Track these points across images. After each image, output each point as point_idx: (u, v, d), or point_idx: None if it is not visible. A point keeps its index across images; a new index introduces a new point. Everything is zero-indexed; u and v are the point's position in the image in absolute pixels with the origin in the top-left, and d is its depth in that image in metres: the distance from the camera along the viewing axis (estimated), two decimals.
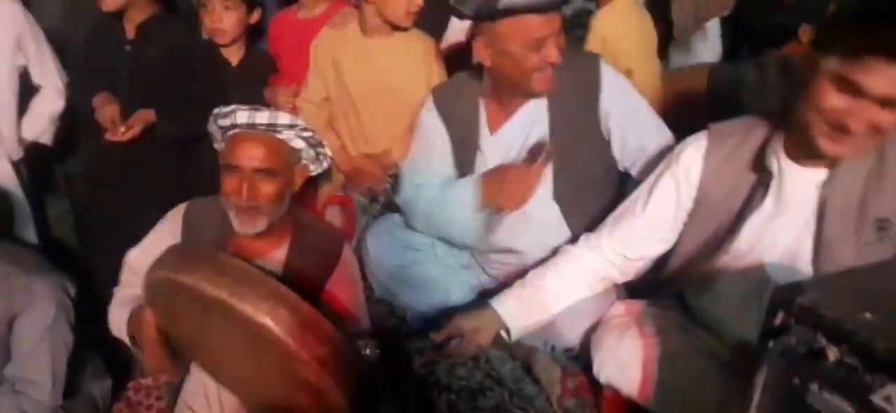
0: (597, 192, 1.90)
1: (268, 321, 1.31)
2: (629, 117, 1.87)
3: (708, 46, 3.05)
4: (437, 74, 2.18)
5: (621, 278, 1.80)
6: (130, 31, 2.40)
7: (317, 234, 1.77)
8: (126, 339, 1.65)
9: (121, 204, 2.39)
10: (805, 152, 1.44)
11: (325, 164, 1.77)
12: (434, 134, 2.01)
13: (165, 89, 2.38)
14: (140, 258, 1.68)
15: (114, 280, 1.77)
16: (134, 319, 1.60)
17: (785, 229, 1.49)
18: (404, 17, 2.15)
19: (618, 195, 1.84)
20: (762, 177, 1.50)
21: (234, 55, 2.46)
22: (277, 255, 1.69)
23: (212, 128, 1.68)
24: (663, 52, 2.94)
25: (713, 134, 1.60)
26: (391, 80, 2.21)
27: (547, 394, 1.69)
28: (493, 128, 1.93)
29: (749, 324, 1.55)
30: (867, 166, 1.42)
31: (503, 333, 1.75)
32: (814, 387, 0.99)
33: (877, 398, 0.92)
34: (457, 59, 2.31)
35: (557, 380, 1.72)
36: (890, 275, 1.09)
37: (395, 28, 2.21)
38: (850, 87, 1.28)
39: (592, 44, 2.54)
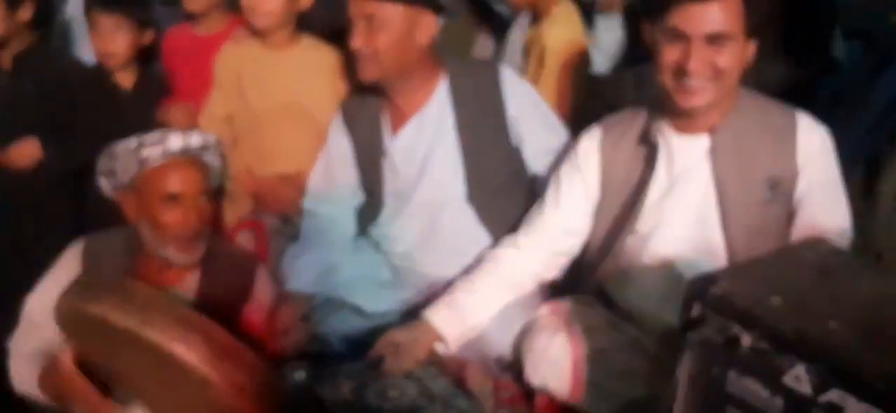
0: (509, 195, 1.94)
1: (179, 348, 1.26)
2: (537, 121, 1.94)
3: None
4: (341, 86, 2.12)
5: (548, 275, 1.82)
6: (7, 63, 2.25)
7: (228, 258, 1.73)
8: (39, 397, 1.54)
9: (7, 250, 2.23)
10: (678, 119, 1.58)
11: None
12: (336, 143, 2.05)
13: (49, 123, 2.23)
14: (40, 302, 1.59)
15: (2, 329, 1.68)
16: (49, 377, 1.49)
17: (683, 200, 1.59)
18: (261, 18, 2.08)
19: (529, 200, 1.88)
20: (651, 151, 1.61)
21: (126, 79, 2.32)
22: (189, 282, 1.64)
23: (126, 161, 1.57)
24: None
25: (605, 123, 1.73)
26: (296, 96, 2.13)
27: (480, 407, 1.67)
28: (395, 130, 1.97)
29: (671, 313, 1.58)
30: (751, 129, 1.55)
31: (439, 346, 1.72)
32: (732, 374, 1.01)
33: (788, 379, 0.95)
34: None
35: (490, 392, 1.69)
36: (793, 258, 1.13)
37: (293, 38, 2.15)
38: (677, 35, 1.47)
39: (554, 55, 2.44)
